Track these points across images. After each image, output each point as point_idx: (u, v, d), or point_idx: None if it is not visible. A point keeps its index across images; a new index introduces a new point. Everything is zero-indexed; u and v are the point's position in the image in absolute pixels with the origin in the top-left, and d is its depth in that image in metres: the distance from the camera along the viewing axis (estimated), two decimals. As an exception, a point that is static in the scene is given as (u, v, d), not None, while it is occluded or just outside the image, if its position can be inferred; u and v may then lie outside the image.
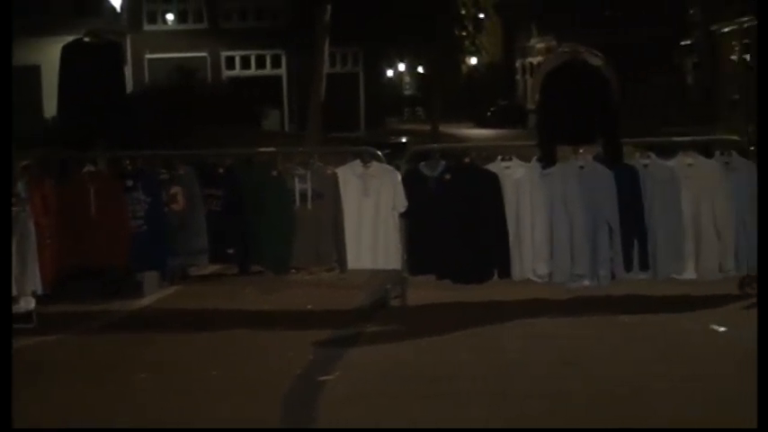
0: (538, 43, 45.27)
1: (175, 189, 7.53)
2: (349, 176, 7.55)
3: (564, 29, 34.01)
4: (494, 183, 7.40)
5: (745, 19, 28.85)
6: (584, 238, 7.32)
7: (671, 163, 7.52)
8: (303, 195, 7.51)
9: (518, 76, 51.88)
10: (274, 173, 7.61)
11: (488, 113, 47.34)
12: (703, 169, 7.49)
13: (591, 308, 7.24)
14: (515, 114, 44.56)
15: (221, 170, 7.64)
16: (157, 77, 29.34)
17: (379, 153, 7.77)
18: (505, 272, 7.42)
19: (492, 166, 7.50)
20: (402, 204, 7.44)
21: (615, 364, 5.91)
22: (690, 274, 7.50)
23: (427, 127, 37.19)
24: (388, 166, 7.63)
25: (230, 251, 7.65)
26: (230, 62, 35.13)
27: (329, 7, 24.63)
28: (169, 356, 6.35)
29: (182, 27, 35.00)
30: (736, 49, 30.48)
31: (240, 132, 22.04)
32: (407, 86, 61.91)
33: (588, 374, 5.69)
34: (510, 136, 34.75)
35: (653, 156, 7.52)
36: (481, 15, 45.26)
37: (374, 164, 7.59)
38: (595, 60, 7.54)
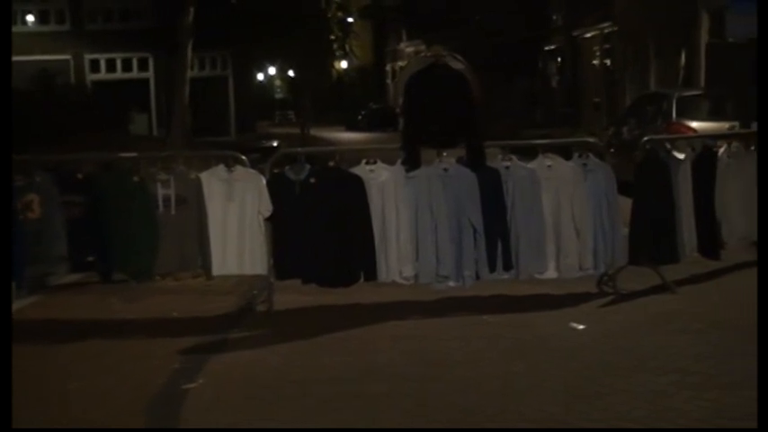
0: (407, 47, 45.82)
1: (31, 196, 7.29)
2: (213, 181, 7.47)
3: (431, 33, 34.48)
4: (358, 186, 7.42)
5: (606, 25, 29.76)
6: (449, 240, 7.42)
7: (532, 165, 7.69)
8: (166, 201, 7.38)
9: (389, 80, 52.41)
10: (136, 178, 7.45)
11: (359, 117, 47.60)
12: (562, 170, 7.68)
13: (456, 308, 7.35)
14: (386, 118, 44.85)
15: (80, 176, 7.45)
16: (17, 81, 28.33)
17: (244, 157, 7.70)
18: (371, 274, 7.46)
19: (357, 170, 7.53)
20: (267, 209, 7.40)
21: (479, 363, 6.00)
22: (551, 273, 7.68)
23: (298, 131, 37.11)
24: (252, 170, 7.56)
25: (91, 259, 7.47)
26: (95, 65, 34.20)
27: (192, 9, 24.32)
28: (26, 369, 6.11)
29: (43, 28, 33.86)
30: (598, 54, 31.42)
31: (106, 137, 21.50)
32: (278, 90, 61.71)
33: (453, 374, 5.77)
34: (380, 139, 34.86)
35: (514, 158, 7.67)
36: (349, 19, 45.45)
37: (238, 168, 7.52)
38: (457, 64, 7.65)
